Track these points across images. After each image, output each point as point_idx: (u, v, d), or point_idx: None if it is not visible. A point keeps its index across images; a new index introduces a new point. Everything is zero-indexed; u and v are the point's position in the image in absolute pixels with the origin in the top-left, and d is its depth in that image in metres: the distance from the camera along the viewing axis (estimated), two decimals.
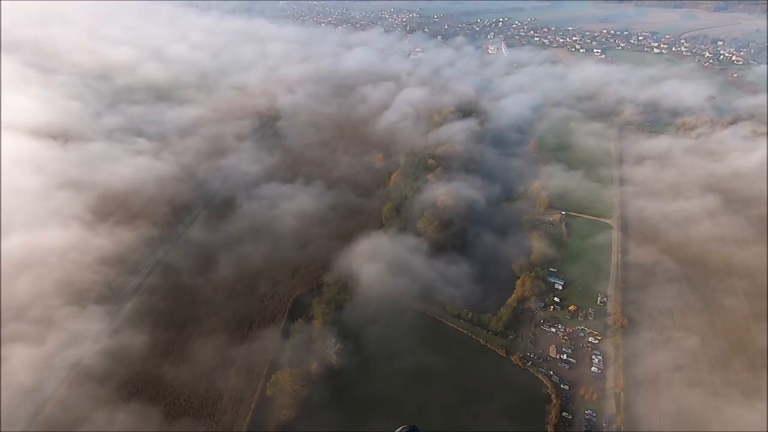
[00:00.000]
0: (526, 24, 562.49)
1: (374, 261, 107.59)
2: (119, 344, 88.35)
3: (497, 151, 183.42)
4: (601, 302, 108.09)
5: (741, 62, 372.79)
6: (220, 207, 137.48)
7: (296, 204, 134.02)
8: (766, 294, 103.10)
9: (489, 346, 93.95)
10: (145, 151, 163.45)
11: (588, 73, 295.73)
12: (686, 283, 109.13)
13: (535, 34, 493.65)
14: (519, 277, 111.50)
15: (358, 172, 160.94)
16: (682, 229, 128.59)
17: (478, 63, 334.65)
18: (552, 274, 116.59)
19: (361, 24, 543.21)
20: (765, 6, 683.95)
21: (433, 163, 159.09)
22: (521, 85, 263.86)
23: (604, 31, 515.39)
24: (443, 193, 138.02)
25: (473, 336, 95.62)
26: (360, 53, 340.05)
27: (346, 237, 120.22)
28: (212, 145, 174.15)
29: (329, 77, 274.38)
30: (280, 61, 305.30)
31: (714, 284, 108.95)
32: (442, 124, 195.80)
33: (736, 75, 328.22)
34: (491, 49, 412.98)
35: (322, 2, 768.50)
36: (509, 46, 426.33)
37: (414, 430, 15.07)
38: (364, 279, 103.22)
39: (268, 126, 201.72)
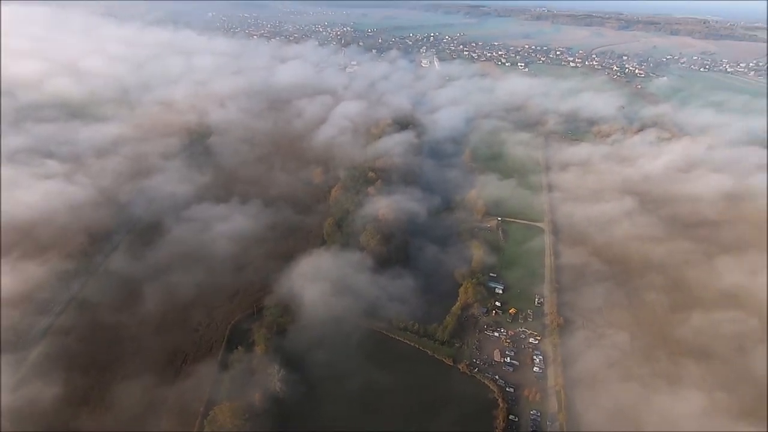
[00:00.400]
0: (455, 39, 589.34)
1: (317, 279, 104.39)
2: (26, 398, 77.15)
3: (435, 163, 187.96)
4: (538, 303, 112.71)
5: (643, 75, 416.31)
6: (145, 232, 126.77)
7: (231, 225, 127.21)
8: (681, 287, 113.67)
9: (436, 356, 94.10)
10: (55, 174, 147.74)
11: (514, 86, 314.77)
12: (612, 281, 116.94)
13: (465, 49, 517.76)
14: (461, 285, 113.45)
15: (297, 189, 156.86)
16: (605, 230, 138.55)
17: (412, 76, 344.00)
18: (492, 279, 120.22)
19: (295, 37, 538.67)
20: (659, 26, 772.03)
21: (373, 176, 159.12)
22: (454, 98, 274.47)
23: (526, 46, 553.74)
24: (384, 206, 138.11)
25: (421, 348, 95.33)
26: (295, 66, 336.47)
27: (287, 256, 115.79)
28: (135, 165, 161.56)
29: (263, 91, 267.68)
30: (210, 74, 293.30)
31: (635, 281, 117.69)
32: (380, 137, 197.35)
33: (639, 86, 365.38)
34: (424, 62, 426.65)
35: (254, 15, 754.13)
36: (441, 59, 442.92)
37: None
38: (307, 299, 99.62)
39: (197, 143, 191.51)
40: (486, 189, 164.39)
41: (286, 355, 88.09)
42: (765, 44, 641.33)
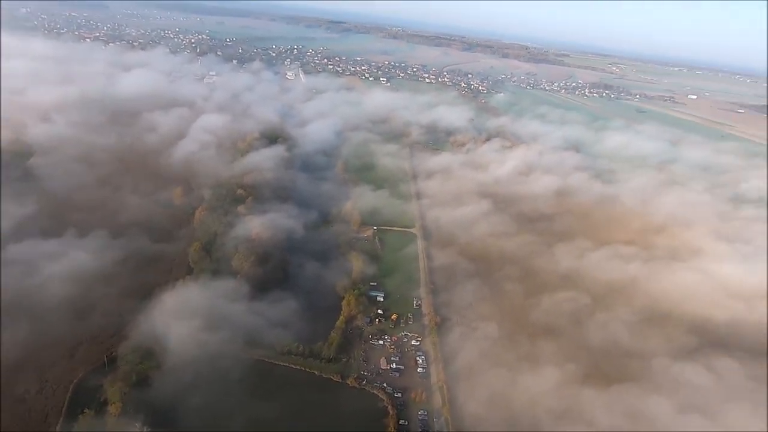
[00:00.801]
0: (319, 53, 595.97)
1: (185, 315, 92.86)
2: None
3: (308, 176, 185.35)
4: (417, 306, 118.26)
5: (485, 91, 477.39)
6: None
7: (68, 263, 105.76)
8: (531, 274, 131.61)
9: (324, 375, 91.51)
10: None
11: (379, 99, 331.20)
12: (477, 277, 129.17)
13: (329, 63, 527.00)
14: (344, 298, 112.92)
15: (153, 213, 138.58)
16: (468, 230, 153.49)
17: (278, 88, 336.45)
18: (373, 288, 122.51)
19: (140, 43, 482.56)
20: (493, 49, 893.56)
21: (242, 194, 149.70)
22: (322, 111, 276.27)
23: (387, 62, 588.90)
24: (257, 225, 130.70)
25: (307, 369, 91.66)
26: (142, 75, 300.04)
27: (145, 293, 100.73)
28: None
29: (102, 102, 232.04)
30: (27, 82, 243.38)
31: (496, 274, 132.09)
32: (247, 152, 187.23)
33: (484, 101, 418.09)
34: (290, 75, 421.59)
35: (85, 15, 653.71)
36: (306, 72, 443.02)
37: None
38: (174, 339, 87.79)
39: (15, 165, 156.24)
40: (360, 200, 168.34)
41: (152, 408, 75.97)
42: (568, 68, 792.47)
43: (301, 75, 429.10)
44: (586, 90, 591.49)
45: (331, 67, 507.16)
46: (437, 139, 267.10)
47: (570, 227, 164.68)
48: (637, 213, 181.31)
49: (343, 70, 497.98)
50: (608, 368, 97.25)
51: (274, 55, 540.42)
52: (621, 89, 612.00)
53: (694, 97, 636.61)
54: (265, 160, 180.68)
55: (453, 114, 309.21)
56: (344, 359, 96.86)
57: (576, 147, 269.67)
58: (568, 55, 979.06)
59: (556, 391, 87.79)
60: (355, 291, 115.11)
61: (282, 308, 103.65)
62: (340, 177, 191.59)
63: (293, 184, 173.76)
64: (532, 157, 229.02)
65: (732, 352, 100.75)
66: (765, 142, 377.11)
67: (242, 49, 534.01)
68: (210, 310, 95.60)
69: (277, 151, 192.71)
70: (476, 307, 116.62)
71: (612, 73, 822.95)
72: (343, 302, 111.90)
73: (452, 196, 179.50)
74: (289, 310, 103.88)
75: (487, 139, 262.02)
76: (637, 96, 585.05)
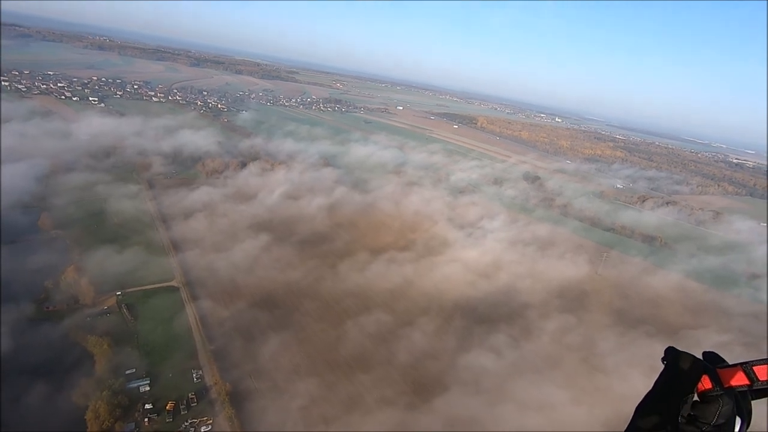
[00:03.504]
0: None
1: None
2: None
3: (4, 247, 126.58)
4: (197, 380, 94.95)
5: (225, 110, 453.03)
6: None
7: None
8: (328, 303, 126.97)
9: None
10: None
11: (96, 126, 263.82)
12: (269, 323, 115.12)
13: (3, 79, 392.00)
14: (88, 409, 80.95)
15: None
16: (247, 271, 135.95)
17: None
18: (131, 377, 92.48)
19: None
20: (225, 65, 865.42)
21: None
22: (10, 149, 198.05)
23: (95, 78, 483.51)
24: None
25: None
26: None
27: None
28: None
29: None
30: None
31: (288, 313, 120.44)
32: None
33: (226, 120, 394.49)
34: None
35: None
36: None
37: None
38: None
39: None
40: (90, 261, 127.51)
41: None
42: (301, 84, 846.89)
43: None
44: (321, 105, 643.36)
45: (7, 84, 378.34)
46: (186, 168, 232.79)
47: (346, 243, 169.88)
48: (394, 216, 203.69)
49: (27, 88, 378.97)
50: (426, 380, 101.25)
51: None
52: (348, 103, 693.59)
53: (401, 108, 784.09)
54: None
55: (198, 138, 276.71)
56: None
57: (330, 162, 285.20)
58: (297, 72, 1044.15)
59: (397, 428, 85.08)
60: (104, 392, 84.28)
61: None
62: (53, 237, 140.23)
63: None
64: (296, 178, 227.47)
65: (495, 325, 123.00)
66: (455, 142, 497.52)
67: None
68: None
69: None
70: (274, 358, 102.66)
71: (337, 89, 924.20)
72: (88, 416, 79.85)
73: (222, 234, 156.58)
74: None
75: (244, 163, 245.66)
76: (362, 109, 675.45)
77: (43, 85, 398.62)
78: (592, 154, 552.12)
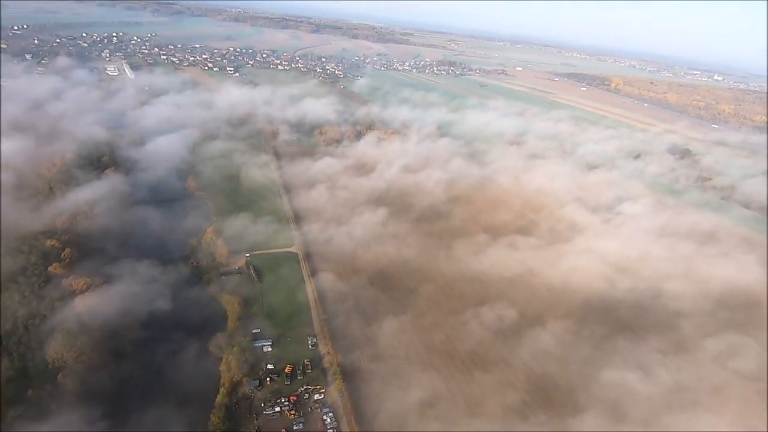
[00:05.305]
0: (147, 41, 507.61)
1: None
2: None
3: (156, 209, 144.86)
4: (312, 346, 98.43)
5: (342, 75, 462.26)
6: None
7: None
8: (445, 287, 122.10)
9: None
10: None
11: (234, 96, 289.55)
12: (382, 298, 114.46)
13: (161, 53, 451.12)
14: (222, 360, 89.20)
15: None
16: (364, 245, 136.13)
17: (99, 92, 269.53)
18: (257, 336, 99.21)
19: None
20: (342, 30, 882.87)
21: (55, 246, 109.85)
22: (167, 118, 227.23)
23: (231, 48, 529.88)
24: (87, 295, 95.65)
25: None
26: None
27: None
28: None
29: None
30: None
31: (404, 292, 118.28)
32: (63, 187, 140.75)
33: (343, 87, 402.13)
34: (111, 70, 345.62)
35: None
36: (134, 67, 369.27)
37: None
38: None
39: None
40: (226, 224, 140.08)
41: None
42: (414, 46, 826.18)
43: (128, 70, 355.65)
44: (434, 68, 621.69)
45: (165, 57, 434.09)
46: (306, 136, 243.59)
47: (463, 221, 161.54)
48: (514, 193, 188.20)
49: (180, 60, 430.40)
50: (556, 393, 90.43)
51: (85, 45, 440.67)
52: (463, 65, 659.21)
53: (521, 68, 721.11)
54: (91, 193, 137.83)
55: (318, 106, 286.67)
56: None
57: (445, 131, 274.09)
58: (412, 34, 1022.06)
59: None
60: (234, 347, 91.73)
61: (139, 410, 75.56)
62: (197, 201, 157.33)
63: (135, 218, 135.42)
64: (411, 148, 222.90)
65: (641, 336, 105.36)
66: (584, 107, 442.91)
67: (38, 40, 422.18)
68: None
69: (107, 179, 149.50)
70: (385, 336, 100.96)
71: (452, 50, 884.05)
72: (221, 367, 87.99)
73: (340, 206, 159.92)
74: (150, 400, 76.68)
75: (360, 132, 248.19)
76: (477, 71, 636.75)
77: (191, 57, 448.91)
78: (764, 121, 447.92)
